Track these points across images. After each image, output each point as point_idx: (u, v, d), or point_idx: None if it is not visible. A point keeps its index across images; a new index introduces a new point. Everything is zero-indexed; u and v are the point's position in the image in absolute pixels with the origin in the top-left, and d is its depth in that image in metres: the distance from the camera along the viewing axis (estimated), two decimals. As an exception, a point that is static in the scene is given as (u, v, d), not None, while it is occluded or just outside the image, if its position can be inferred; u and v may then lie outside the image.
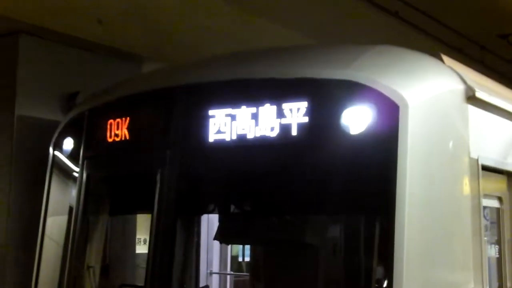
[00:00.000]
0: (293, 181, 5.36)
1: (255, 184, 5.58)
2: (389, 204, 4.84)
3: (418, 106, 5.07)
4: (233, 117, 5.46)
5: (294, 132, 5.25)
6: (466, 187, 5.54)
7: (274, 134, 5.30)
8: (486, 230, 6.08)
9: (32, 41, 8.19)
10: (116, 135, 6.12)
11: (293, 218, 6.23)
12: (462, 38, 11.49)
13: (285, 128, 5.26)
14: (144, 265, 5.94)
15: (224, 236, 6.79)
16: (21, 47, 8.11)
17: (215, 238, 6.95)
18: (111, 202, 6.71)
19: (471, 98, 5.71)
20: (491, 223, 6.33)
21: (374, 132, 5.00)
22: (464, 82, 5.71)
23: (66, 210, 6.83)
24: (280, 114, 5.29)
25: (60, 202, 7.00)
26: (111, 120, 6.16)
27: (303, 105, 5.23)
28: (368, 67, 5.29)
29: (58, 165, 7.03)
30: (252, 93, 5.48)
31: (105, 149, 6.31)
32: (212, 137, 5.54)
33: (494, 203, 6.30)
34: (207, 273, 9.74)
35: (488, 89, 6.36)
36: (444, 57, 5.90)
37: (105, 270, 6.97)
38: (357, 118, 5.05)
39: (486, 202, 5.89)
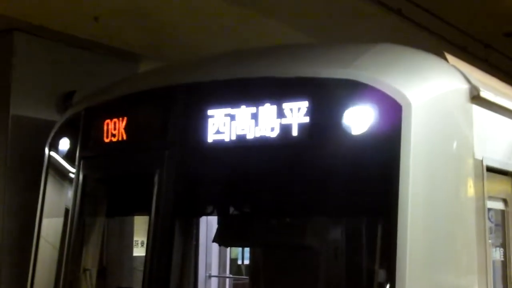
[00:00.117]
0: (294, 182, 5.33)
1: (255, 186, 5.56)
2: (392, 205, 4.80)
3: (421, 105, 5.04)
4: (232, 117, 5.43)
5: (294, 132, 5.21)
6: (470, 188, 5.51)
7: (274, 134, 5.27)
8: (491, 232, 6.04)
9: (27, 39, 8.17)
10: (113, 135, 6.10)
11: (294, 220, 6.19)
12: (466, 36, 11.47)
13: (286, 128, 5.23)
14: (141, 268, 5.90)
15: (223, 238, 6.74)
16: (16, 45, 8.09)
17: (214, 241, 6.91)
18: (108, 203, 6.69)
19: (476, 98, 5.67)
20: (496, 225, 6.29)
21: (376, 132, 4.96)
22: (468, 81, 5.67)
23: (62, 211, 6.80)
24: (281, 114, 5.25)
25: (56, 204, 6.97)
26: (108, 120, 6.14)
27: (303, 104, 5.19)
28: (370, 66, 5.26)
29: (54, 166, 7.01)
30: (251, 93, 5.44)
31: (102, 150, 6.29)
32: (211, 137, 5.51)
33: (499, 205, 6.25)
34: (205, 276, 9.70)
35: (493, 88, 6.32)
36: (448, 56, 5.87)
37: (102, 273, 6.94)
38: (359, 118, 5.02)
39: (490, 204, 5.85)
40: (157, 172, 5.66)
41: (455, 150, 5.46)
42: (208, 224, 8.27)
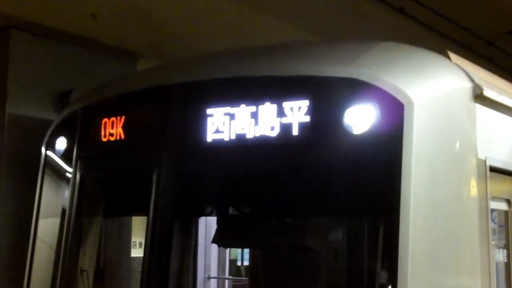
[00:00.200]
0: (294, 182, 5.30)
1: (254, 186, 5.52)
2: (394, 205, 4.78)
3: (423, 104, 5.00)
4: (232, 116, 5.39)
5: (295, 131, 5.18)
6: (473, 188, 5.49)
7: (274, 133, 5.24)
8: (494, 233, 6.02)
9: (24, 37, 8.17)
10: (111, 135, 6.07)
11: (294, 221, 6.18)
12: (470, 34, 11.47)
13: (286, 128, 5.19)
14: (139, 269, 5.90)
15: (222, 239, 6.72)
16: (13, 43, 8.10)
17: (213, 241, 6.92)
18: (106, 203, 6.66)
19: (479, 97, 5.64)
20: (499, 226, 6.27)
21: (378, 132, 4.93)
22: (472, 80, 5.65)
23: (59, 211, 6.77)
24: (281, 113, 5.22)
25: (52, 204, 6.94)
26: (106, 119, 6.11)
27: (304, 103, 5.15)
28: (371, 65, 5.23)
29: (50, 166, 6.97)
30: (251, 91, 5.41)
31: (99, 149, 6.26)
32: (210, 136, 5.48)
33: (503, 206, 6.23)
34: (204, 277, 9.65)
35: (496, 87, 6.30)
36: (451, 54, 5.84)
37: (99, 274, 6.94)
38: (360, 117, 4.98)
39: (494, 204, 5.83)
40: (156, 172, 5.63)
41: (457, 149, 5.43)
42: (207, 225, 8.25)
